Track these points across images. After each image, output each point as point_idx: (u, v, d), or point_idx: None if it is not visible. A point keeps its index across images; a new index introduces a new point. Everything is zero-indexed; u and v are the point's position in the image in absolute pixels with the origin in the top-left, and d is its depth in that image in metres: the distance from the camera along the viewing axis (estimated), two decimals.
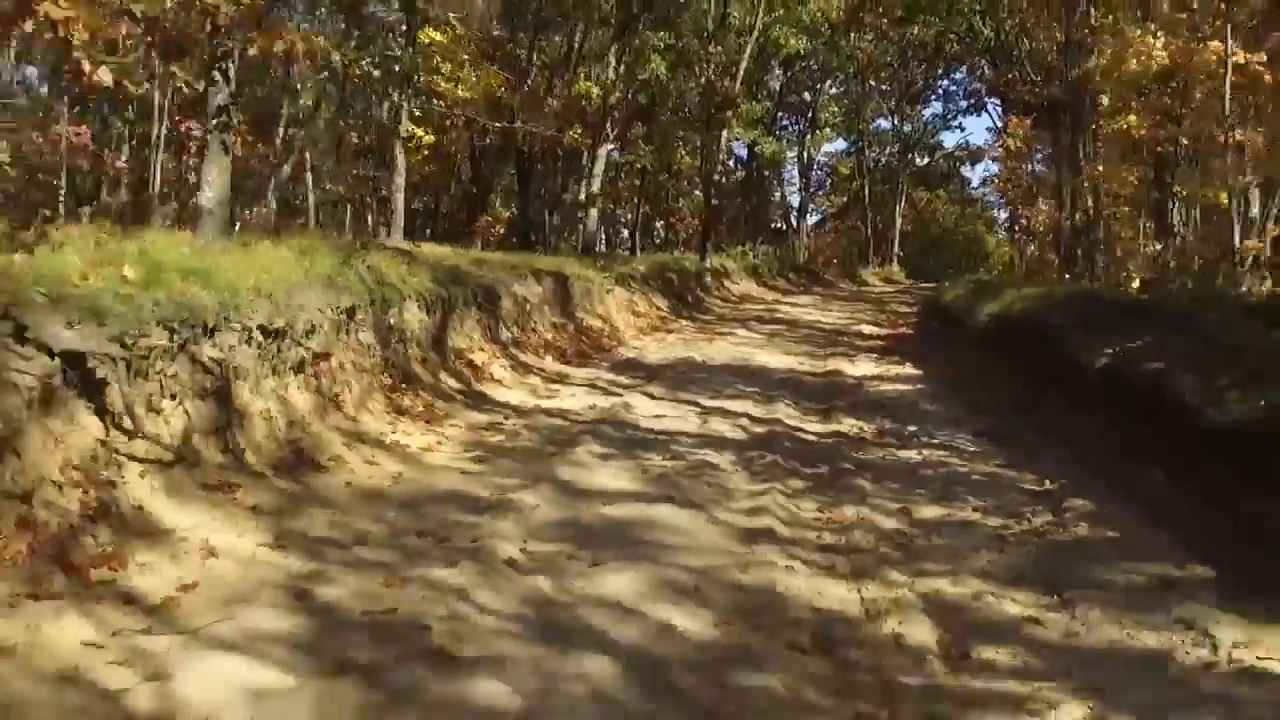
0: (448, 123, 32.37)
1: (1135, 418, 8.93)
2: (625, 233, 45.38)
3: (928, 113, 60.61)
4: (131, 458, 6.06)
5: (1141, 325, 10.61)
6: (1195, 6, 16.87)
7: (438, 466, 8.37)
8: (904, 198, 59.99)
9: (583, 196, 33.51)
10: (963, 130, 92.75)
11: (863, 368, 16.76)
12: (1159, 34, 16.52)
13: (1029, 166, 33.76)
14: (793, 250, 52.01)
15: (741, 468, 9.05)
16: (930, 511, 7.94)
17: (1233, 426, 7.18)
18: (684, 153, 42.46)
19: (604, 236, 43.36)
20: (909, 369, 16.67)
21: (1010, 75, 33.65)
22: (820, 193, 64.57)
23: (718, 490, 8.22)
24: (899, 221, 59.49)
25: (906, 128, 58.87)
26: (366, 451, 8.33)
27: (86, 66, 5.95)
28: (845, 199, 63.77)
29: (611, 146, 33.84)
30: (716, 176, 39.38)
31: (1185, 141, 16.75)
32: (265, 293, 7.90)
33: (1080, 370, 10.64)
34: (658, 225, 50.08)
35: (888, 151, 60.49)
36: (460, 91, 30.31)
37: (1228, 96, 14.97)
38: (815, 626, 5.54)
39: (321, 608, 5.19)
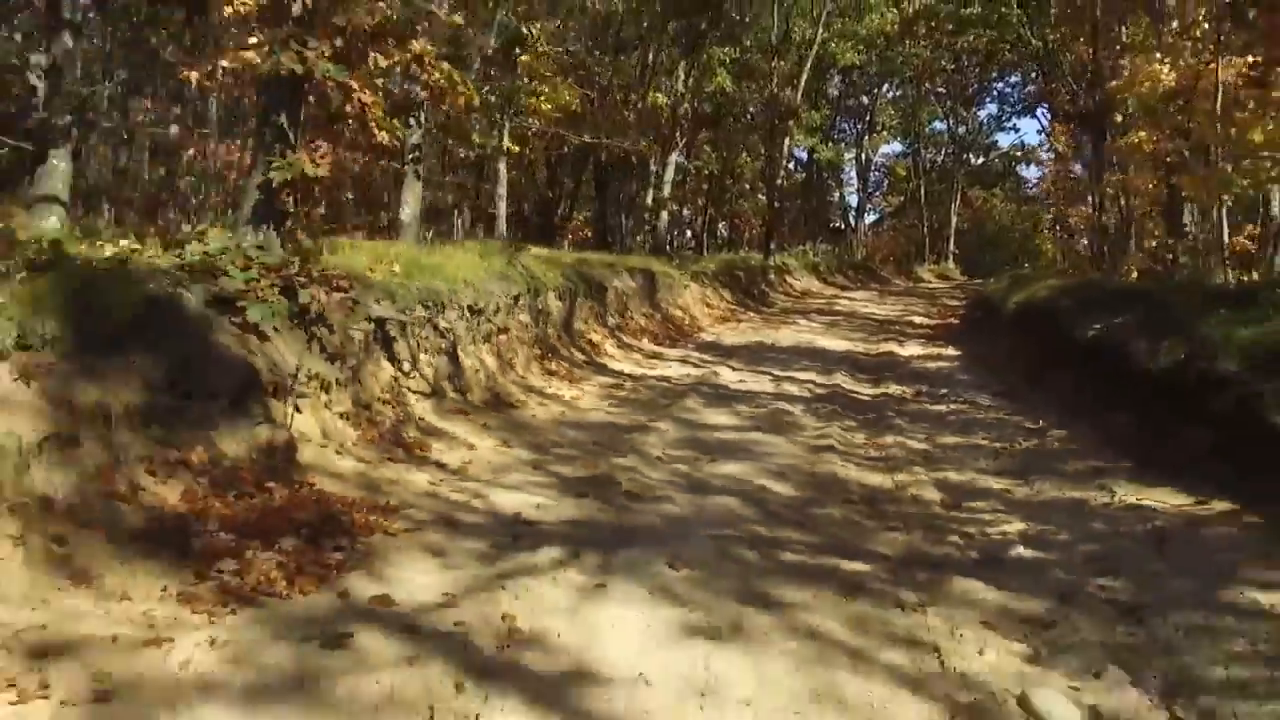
0: (530, 134, 35.71)
1: (1108, 373, 11.97)
2: (689, 233, 48.61)
3: (983, 114, 63.22)
4: (410, 390, 9.35)
5: (1125, 307, 13.58)
6: (1198, 35, 19.70)
7: (588, 409, 11.62)
8: (959, 196, 62.59)
9: (651, 200, 36.82)
10: (1017, 131, 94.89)
11: (910, 349, 19.80)
12: (1165, 60, 19.39)
13: (1072, 169, 36.53)
14: (851, 248, 54.96)
15: (809, 413, 12.19)
16: (949, 439, 11.05)
17: (1158, 373, 10.24)
18: (747, 158, 45.53)
19: (670, 237, 46.53)
20: (950, 350, 19.68)
21: (1054, 85, 36.40)
22: (878, 193, 67.52)
23: (792, 425, 11.38)
24: (954, 220, 62.09)
25: (961, 129, 61.51)
26: (536, 398, 11.59)
27: (375, 131, 9.19)
28: (902, 198, 66.57)
29: (679, 153, 37.08)
30: (778, 180, 42.49)
31: (1187, 154, 19.59)
32: (469, 283, 11.19)
33: (1075, 342, 13.66)
34: (721, 226, 53.21)
35: (943, 152, 63.22)
36: (544, 106, 33.66)
37: (1218, 111, 17.82)
38: (861, 492, 8.69)
39: (553, 474, 8.44)
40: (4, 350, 5.35)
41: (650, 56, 35.70)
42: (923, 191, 60.62)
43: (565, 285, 15.02)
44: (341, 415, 8.06)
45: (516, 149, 35.05)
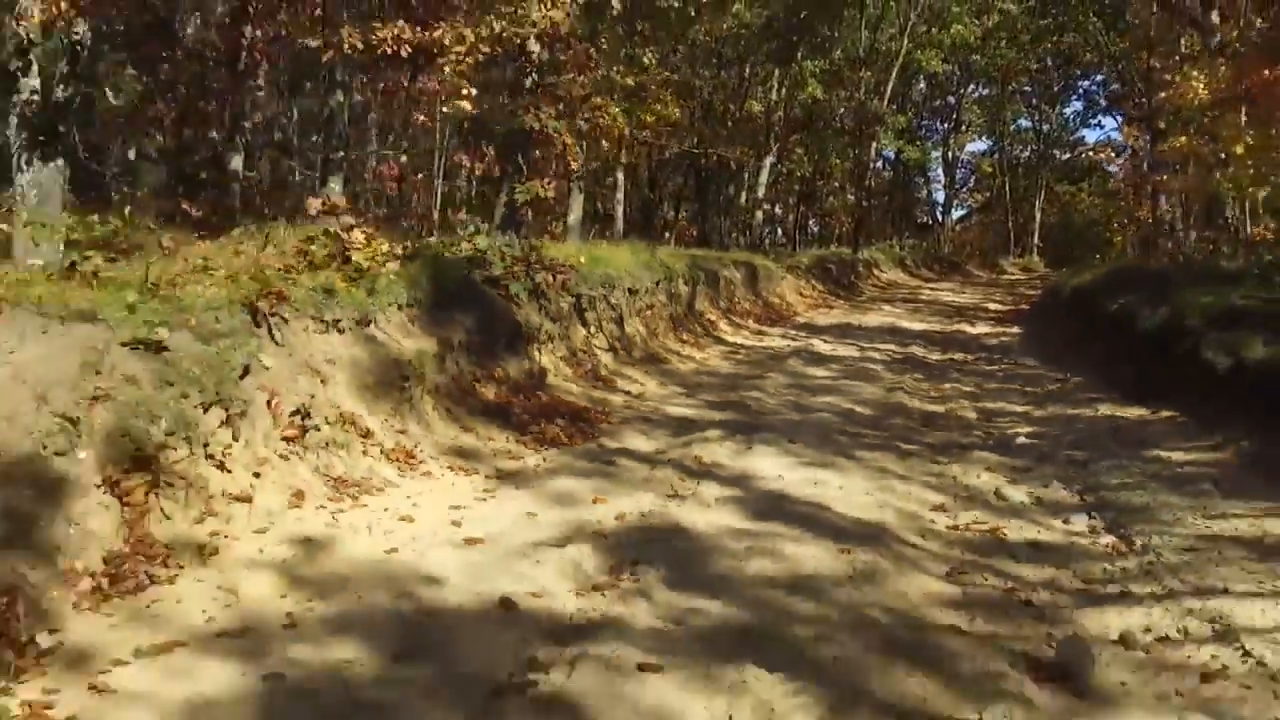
0: (639, 144, 39.66)
1: (1121, 336, 15.52)
2: (781, 231, 52.33)
3: (1068, 111, 65.80)
4: (596, 346, 13.28)
5: (1143, 285, 17.09)
6: (1229, 54, 23.00)
7: (715, 365, 15.47)
8: (1044, 192, 65.29)
9: (748, 200, 40.65)
10: (1102, 127, 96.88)
11: (979, 329, 23.38)
12: (1201, 75, 22.72)
13: (1141, 166, 39.64)
14: (937, 243, 58.16)
15: (886, 370, 15.92)
16: (992, 386, 14.72)
17: (1150, 331, 13.82)
18: (836, 159, 49.09)
19: (765, 234, 50.25)
20: (1014, 329, 23.22)
21: (1125, 88, 39.54)
22: (964, 189, 70.48)
23: (872, 376, 15.13)
24: (1039, 215, 64.81)
25: (1046, 126, 64.18)
26: (676, 357, 15.47)
27: (571, 162, 13.12)
28: (988, 194, 69.45)
29: (773, 156, 40.83)
30: (866, 180, 46.07)
31: (1224, 156, 22.89)
32: (627, 271, 15.13)
33: (1104, 316, 17.19)
34: (812, 223, 56.83)
35: (1028, 149, 65.94)
36: (647, 118, 37.60)
37: (1243, 118, 21.13)
38: (919, 413, 12.42)
39: (701, 399, 12.32)
40: (403, 303, 9.35)
41: (747, 71, 39.49)
42: (1008, 187, 63.48)
43: (689, 274, 18.91)
44: (561, 358, 12.03)
45: (629, 159, 39.12)
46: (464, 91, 13.06)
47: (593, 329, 13.30)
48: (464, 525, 6.83)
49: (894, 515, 7.73)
